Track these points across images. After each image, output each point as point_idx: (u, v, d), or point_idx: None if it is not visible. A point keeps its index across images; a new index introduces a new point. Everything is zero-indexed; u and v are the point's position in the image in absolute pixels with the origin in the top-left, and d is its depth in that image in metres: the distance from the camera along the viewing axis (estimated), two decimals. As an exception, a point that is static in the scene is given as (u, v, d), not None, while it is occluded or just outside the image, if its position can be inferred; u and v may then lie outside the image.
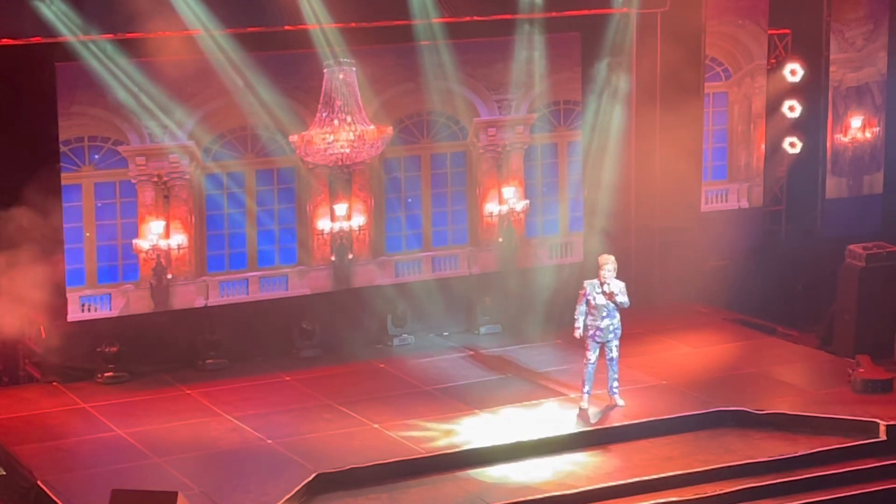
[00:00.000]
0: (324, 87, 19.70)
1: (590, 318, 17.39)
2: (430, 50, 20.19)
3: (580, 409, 17.54)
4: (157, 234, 19.32)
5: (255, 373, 19.34)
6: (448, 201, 20.91)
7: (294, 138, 19.68)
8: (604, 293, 17.29)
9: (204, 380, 19.05)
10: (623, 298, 17.35)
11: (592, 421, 17.34)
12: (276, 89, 19.40)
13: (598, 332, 17.40)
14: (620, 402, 17.70)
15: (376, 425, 17.35)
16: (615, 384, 17.68)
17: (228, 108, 19.35)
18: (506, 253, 21.19)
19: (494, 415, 17.66)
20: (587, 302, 17.36)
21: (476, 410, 17.79)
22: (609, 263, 17.39)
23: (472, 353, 20.08)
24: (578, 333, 17.43)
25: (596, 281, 17.40)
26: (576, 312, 17.46)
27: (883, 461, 16.71)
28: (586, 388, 17.54)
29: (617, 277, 17.49)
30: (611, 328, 17.42)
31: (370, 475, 15.94)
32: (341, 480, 15.80)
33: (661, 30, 21.46)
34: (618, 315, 17.45)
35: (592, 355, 17.45)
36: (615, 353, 17.51)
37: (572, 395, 18.00)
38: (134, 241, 19.27)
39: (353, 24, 19.42)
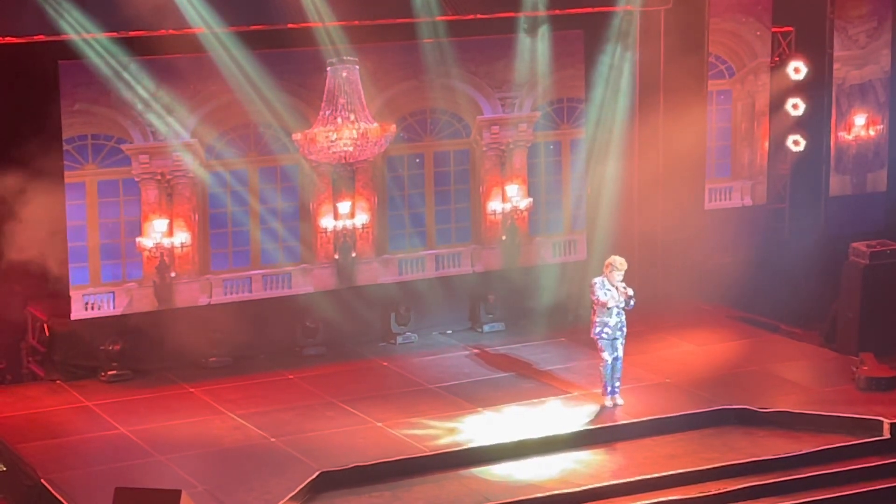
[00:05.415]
0: (327, 85, 19.69)
1: (599, 316, 17.44)
2: (434, 48, 20.17)
3: (604, 406, 17.58)
4: (161, 233, 19.31)
5: (259, 371, 19.34)
6: (451, 199, 20.89)
7: (297, 136, 19.66)
8: (623, 292, 17.30)
9: (207, 378, 19.04)
10: (633, 301, 17.46)
11: (595, 419, 17.34)
12: (280, 87, 19.39)
13: (606, 329, 17.45)
14: (620, 400, 17.71)
15: (380, 423, 17.34)
16: (617, 383, 17.69)
17: (231, 106, 19.34)
18: (509, 251, 21.18)
19: (498, 413, 17.65)
20: (598, 298, 17.40)
21: (479, 409, 17.78)
22: (624, 268, 17.41)
23: (475, 351, 20.08)
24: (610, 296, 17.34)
25: (603, 279, 17.40)
26: (596, 299, 17.34)
27: (887, 459, 16.69)
28: (609, 389, 17.61)
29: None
30: (619, 325, 17.52)
31: (373, 473, 15.94)
32: (344, 478, 15.80)
33: (664, 27, 21.45)
34: (624, 313, 17.52)
35: (608, 355, 17.51)
36: (620, 353, 17.59)
37: (575, 394, 18.01)
38: (137, 239, 19.26)
39: (356, 22, 19.41)
